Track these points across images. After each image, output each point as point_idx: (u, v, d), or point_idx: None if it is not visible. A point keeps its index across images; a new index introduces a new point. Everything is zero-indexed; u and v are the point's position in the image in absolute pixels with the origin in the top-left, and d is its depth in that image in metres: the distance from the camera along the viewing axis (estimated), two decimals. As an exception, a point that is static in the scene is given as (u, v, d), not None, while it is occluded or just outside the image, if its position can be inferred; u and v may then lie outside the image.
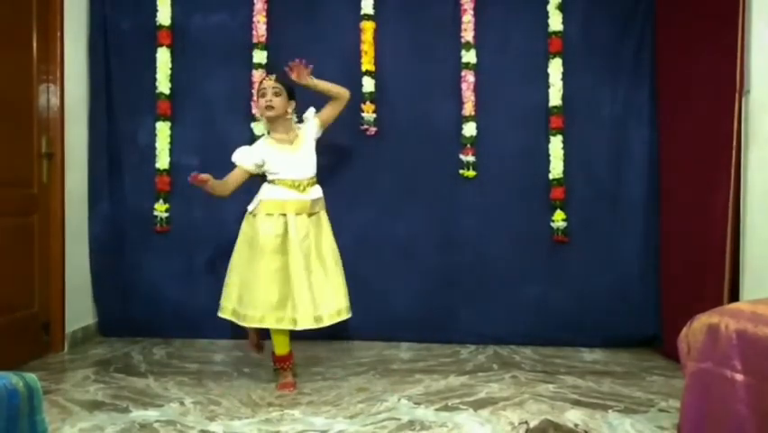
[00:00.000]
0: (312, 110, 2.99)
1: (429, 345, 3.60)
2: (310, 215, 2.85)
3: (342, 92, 2.99)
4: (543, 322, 3.63)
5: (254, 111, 2.89)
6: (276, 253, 2.76)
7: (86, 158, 3.72)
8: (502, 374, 3.06)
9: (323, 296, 2.78)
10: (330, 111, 2.99)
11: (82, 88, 3.69)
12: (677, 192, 3.40)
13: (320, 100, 3.03)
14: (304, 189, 2.84)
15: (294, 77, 2.86)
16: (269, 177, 2.86)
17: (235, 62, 3.71)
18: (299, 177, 2.84)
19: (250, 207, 2.87)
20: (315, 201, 2.87)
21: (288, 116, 2.90)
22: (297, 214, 2.81)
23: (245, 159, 2.85)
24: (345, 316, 2.86)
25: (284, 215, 2.79)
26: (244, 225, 2.90)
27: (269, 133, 2.97)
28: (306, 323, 2.73)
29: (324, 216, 2.93)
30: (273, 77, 2.89)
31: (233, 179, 2.86)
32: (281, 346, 2.82)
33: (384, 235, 3.69)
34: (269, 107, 2.82)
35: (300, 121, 3.00)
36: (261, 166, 2.85)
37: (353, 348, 3.53)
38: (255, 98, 2.91)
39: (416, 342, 3.66)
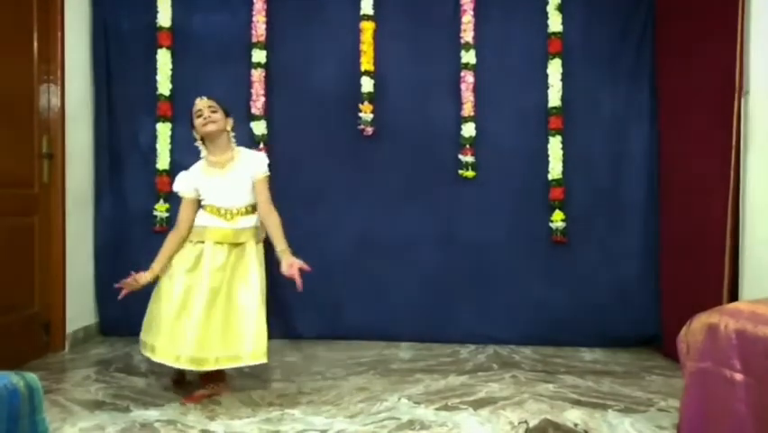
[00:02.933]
0: (265, 161, 2.76)
1: (429, 345, 3.61)
2: (235, 245, 2.65)
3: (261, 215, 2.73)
4: (542, 322, 3.64)
5: (195, 137, 2.74)
6: (180, 277, 2.60)
7: (86, 158, 3.73)
8: (502, 374, 3.06)
9: (212, 338, 2.53)
10: (261, 193, 2.70)
11: (83, 89, 3.70)
12: (676, 192, 3.41)
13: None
14: (231, 218, 2.66)
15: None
16: (201, 201, 2.72)
17: (235, 63, 3.71)
18: (225, 204, 2.66)
19: None
20: (240, 231, 2.66)
21: (227, 133, 2.73)
22: (217, 243, 2.63)
23: (183, 186, 2.72)
24: (248, 361, 2.56)
25: (202, 242, 2.64)
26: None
27: (204, 156, 2.77)
28: (169, 359, 2.53)
29: (251, 247, 2.67)
30: (204, 97, 2.75)
31: (185, 214, 2.70)
32: None
33: (384, 236, 3.69)
34: (210, 122, 2.66)
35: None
36: (199, 194, 2.71)
37: (353, 348, 3.53)
38: (192, 124, 2.72)
39: (416, 342, 3.66)
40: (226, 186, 2.68)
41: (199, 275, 2.60)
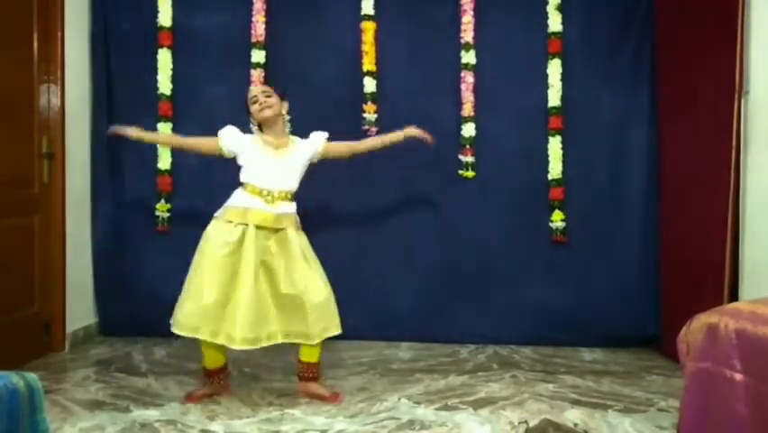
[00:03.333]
0: (324, 134, 2.81)
1: (429, 345, 3.61)
2: (275, 230, 2.62)
3: (373, 149, 2.92)
4: (542, 322, 3.64)
5: (252, 124, 2.72)
6: (225, 259, 2.53)
7: (86, 158, 3.73)
8: (502, 374, 3.06)
9: (265, 316, 2.56)
10: (340, 147, 2.85)
11: (83, 89, 3.70)
12: (676, 192, 3.41)
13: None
14: (272, 201, 2.61)
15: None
16: (241, 177, 2.67)
17: (236, 63, 3.71)
18: (270, 186, 2.62)
19: (216, 213, 2.67)
20: (280, 216, 2.62)
21: (283, 118, 2.73)
22: (258, 227, 2.58)
23: (227, 138, 2.70)
24: (300, 340, 2.59)
25: (245, 224, 2.57)
26: (206, 231, 2.64)
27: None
28: (244, 342, 2.49)
29: (292, 234, 2.63)
30: (258, 84, 2.77)
31: (200, 142, 2.76)
32: (211, 361, 2.64)
33: (384, 236, 3.69)
34: (266, 107, 2.66)
35: (301, 135, 2.86)
36: (233, 156, 2.70)
37: (353, 348, 3.53)
38: (248, 111, 2.72)
39: (416, 342, 3.66)
40: (275, 167, 2.65)
41: (243, 256, 2.54)
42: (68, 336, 3.48)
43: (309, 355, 2.67)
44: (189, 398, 2.62)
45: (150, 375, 3.00)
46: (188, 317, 2.54)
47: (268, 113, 2.67)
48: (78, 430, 2.28)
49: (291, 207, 2.68)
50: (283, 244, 2.61)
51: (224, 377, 2.71)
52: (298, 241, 2.64)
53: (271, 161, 2.66)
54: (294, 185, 2.70)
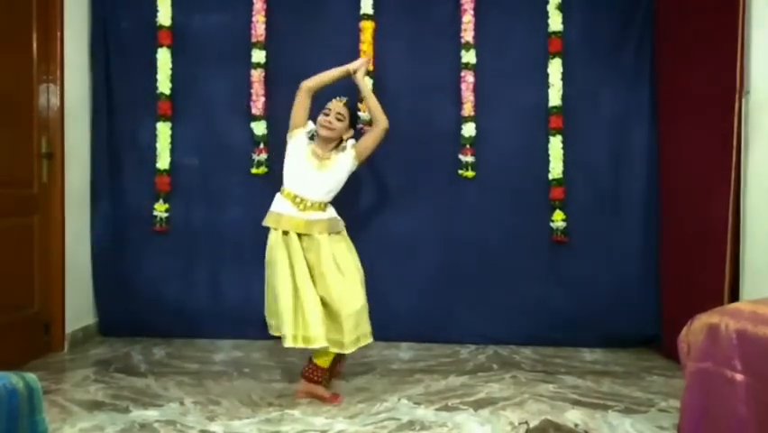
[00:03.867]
0: (351, 141, 2.88)
1: (429, 345, 3.60)
2: (305, 235, 2.70)
3: (381, 117, 2.89)
4: (543, 322, 3.64)
5: (312, 126, 2.85)
6: (284, 266, 2.65)
7: (86, 158, 3.72)
8: (502, 374, 3.06)
9: (309, 318, 2.60)
10: (366, 141, 2.88)
11: (82, 88, 3.69)
12: (677, 192, 3.40)
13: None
14: (304, 208, 2.71)
15: (355, 64, 2.91)
16: (284, 178, 2.79)
17: (235, 62, 3.70)
18: (304, 194, 2.72)
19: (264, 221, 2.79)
20: (311, 222, 2.71)
21: (340, 140, 2.84)
22: (286, 232, 2.69)
23: (304, 132, 2.83)
24: (321, 344, 2.56)
25: (285, 232, 2.69)
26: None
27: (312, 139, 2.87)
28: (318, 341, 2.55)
29: (324, 240, 2.70)
30: (343, 100, 2.84)
31: (298, 107, 2.88)
32: (322, 359, 2.68)
33: (384, 235, 3.68)
34: (329, 128, 2.77)
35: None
36: (308, 132, 2.82)
37: (353, 348, 3.52)
38: (323, 114, 2.83)
39: (416, 342, 3.66)
40: (315, 179, 2.74)
41: (292, 259, 2.66)
42: (68, 336, 3.48)
43: (322, 360, 2.68)
44: (302, 393, 2.68)
45: (150, 376, 2.99)
46: (276, 318, 2.66)
47: (326, 133, 2.79)
48: (78, 431, 2.28)
49: (324, 214, 2.77)
50: (316, 250, 2.70)
51: (328, 376, 2.75)
52: (330, 247, 2.72)
53: (313, 173, 2.75)
54: (328, 198, 2.80)
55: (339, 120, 2.79)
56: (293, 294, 2.61)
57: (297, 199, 2.72)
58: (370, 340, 2.70)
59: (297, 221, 2.70)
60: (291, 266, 2.65)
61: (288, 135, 2.85)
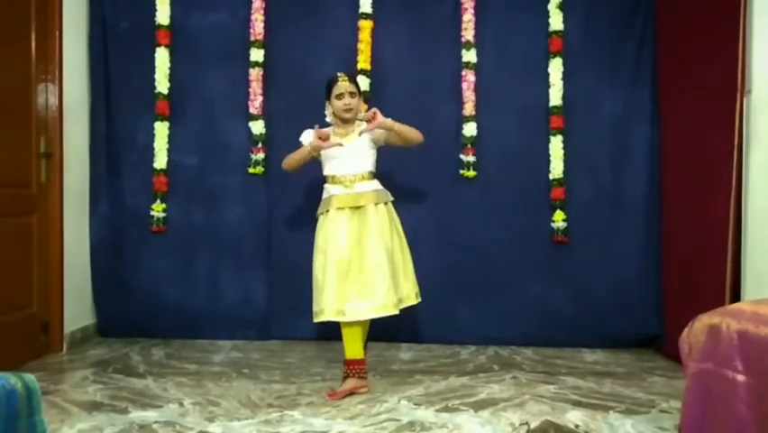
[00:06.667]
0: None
1: (429, 346, 3.60)
2: (357, 208, 2.79)
3: (416, 137, 2.87)
4: (543, 322, 3.63)
5: (327, 110, 2.90)
6: (334, 247, 2.74)
7: (84, 158, 3.71)
8: (503, 375, 3.05)
9: (349, 293, 2.73)
10: (397, 142, 2.89)
11: (81, 88, 3.68)
12: (678, 192, 3.39)
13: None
14: (350, 184, 2.81)
15: (372, 125, 2.79)
16: (324, 171, 2.88)
17: (234, 62, 3.70)
18: (343, 172, 2.82)
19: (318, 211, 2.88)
20: (359, 195, 2.80)
21: (357, 117, 2.90)
22: (340, 208, 2.77)
23: (307, 140, 2.87)
24: (378, 313, 2.71)
25: (340, 209, 2.78)
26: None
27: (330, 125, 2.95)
28: (354, 314, 2.70)
29: (372, 209, 2.79)
30: (346, 77, 2.86)
31: (295, 156, 2.90)
32: (350, 349, 2.75)
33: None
34: (349, 110, 2.84)
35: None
36: (316, 127, 2.86)
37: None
38: (328, 97, 2.87)
39: (416, 342, 3.65)
40: (345, 154, 2.81)
41: (335, 243, 2.75)
42: (66, 336, 3.47)
43: (356, 350, 2.76)
44: (332, 395, 2.68)
45: (149, 376, 2.98)
46: (321, 303, 2.74)
47: (348, 115, 2.86)
48: (77, 432, 2.27)
49: (370, 186, 2.84)
50: (364, 221, 2.79)
51: (364, 368, 2.78)
52: (377, 218, 2.80)
53: (341, 151, 2.81)
54: (367, 165, 2.86)
55: (353, 96, 2.85)
56: (347, 271, 2.72)
57: (342, 179, 2.82)
58: (417, 300, 2.92)
59: (345, 197, 2.80)
60: (348, 239, 2.73)
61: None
